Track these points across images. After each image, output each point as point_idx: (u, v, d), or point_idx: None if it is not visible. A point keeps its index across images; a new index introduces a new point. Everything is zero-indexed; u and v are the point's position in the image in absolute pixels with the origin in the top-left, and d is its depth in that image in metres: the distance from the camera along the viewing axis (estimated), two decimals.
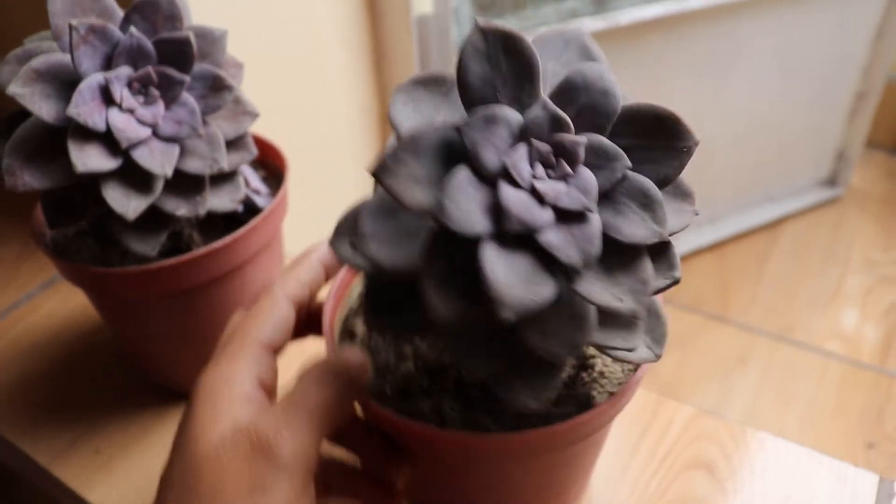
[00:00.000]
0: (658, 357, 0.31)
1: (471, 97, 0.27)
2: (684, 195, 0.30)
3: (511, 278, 0.25)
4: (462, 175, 0.25)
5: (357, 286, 0.38)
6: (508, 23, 0.91)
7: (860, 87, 1.35)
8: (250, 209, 0.46)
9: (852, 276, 1.28)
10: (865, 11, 1.25)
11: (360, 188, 0.91)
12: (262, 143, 0.51)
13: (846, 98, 1.36)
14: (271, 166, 0.51)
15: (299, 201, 0.74)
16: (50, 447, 0.49)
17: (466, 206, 0.25)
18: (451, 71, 0.29)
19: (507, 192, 0.25)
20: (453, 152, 0.26)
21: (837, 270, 1.30)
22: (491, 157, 0.26)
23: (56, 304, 0.62)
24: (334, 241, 0.30)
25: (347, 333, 0.36)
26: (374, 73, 0.85)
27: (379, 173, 0.25)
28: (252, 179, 0.48)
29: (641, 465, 0.45)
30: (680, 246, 1.33)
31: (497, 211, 0.25)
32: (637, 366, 0.33)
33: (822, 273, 1.29)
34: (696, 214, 0.31)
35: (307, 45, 0.75)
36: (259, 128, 0.48)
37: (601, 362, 0.35)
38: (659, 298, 0.33)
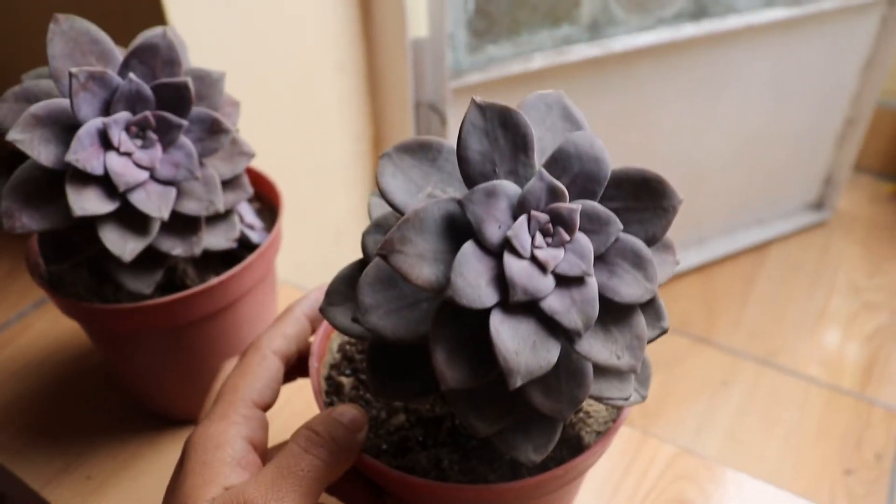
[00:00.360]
0: (644, 398, 0.32)
1: (471, 172, 0.28)
2: (667, 247, 0.31)
3: (519, 346, 0.26)
4: (468, 250, 0.26)
5: (335, 339, 0.39)
6: (503, 49, 0.93)
7: (849, 113, 1.37)
8: (244, 244, 0.47)
9: (837, 300, 1.29)
10: (856, 41, 1.26)
11: (353, 213, 0.92)
12: (256, 176, 0.51)
13: (836, 124, 1.38)
14: (265, 199, 0.52)
15: (292, 227, 0.74)
16: (42, 472, 0.49)
17: (474, 281, 0.26)
18: (435, 137, 0.30)
19: (512, 264, 0.26)
20: (455, 226, 0.27)
21: (823, 294, 1.31)
22: (494, 231, 0.27)
23: (48, 323, 0.62)
24: (327, 309, 0.31)
25: (334, 389, 0.36)
26: (368, 98, 0.86)
27: (388, 255, 0.26)
28: (247, 214, 0.48)
29: (624, 502, 0.46)
30: None
31: (502, 282, 0.26)
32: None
33: (807, 296, 1.31)
34: (678, 264, 0.32)
35: (300, 70, 0.75)
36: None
37: (586, 403, 0.36)
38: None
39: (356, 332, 0.30)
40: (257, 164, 0.53)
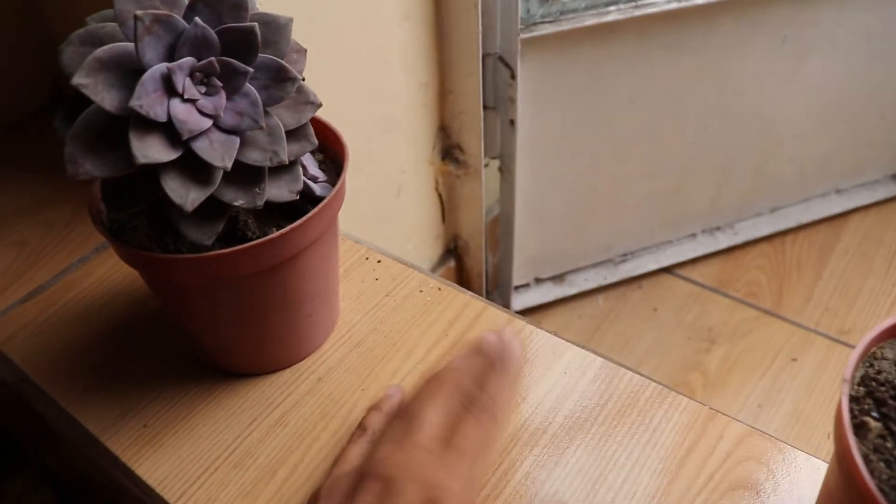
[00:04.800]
0: None
1: None
2: None
3: None
4: None
5: (860, 369, 0.35)
6: (576, 2, 0.88)
7: None
8: (306, 197, 0.46)
9: None
10: None
11: (415, 165, 0.90)
12: (321, 127, 0.50)
13: None
14: (329, 150, 0.50)
15: (352, 178, 0.73)
16: (101, 418, 0.49)
17: None
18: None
19: None
20: None
21: None
22: None
23: (108, 269, 0.62)
24: None
25: (858, 425, 0.33)
26: (434, 48, 0.83)
27: None
28: (310, 166, 0.47)
29: (687, 481, 0.44)
30: (737, 235, 1.29)
31: None
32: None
33: (886, 273, 1.24)
34: None
35: (366, 19, 0.73)
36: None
37: None
38: None
39: None
40: (320, 113, 0.51)
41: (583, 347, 0.52)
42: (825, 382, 1.06)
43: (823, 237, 1.31)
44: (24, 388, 0.54)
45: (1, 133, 0.81)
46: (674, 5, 0.93)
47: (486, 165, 0.95)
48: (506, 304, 1.16)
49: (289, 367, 0.51)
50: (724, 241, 1.28)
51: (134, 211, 0.39)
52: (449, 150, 0.94)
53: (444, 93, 0.88)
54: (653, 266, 1.25)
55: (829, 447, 0.96)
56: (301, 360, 0.52)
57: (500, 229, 1.08)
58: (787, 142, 1.22)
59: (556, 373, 0.51)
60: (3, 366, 0.55)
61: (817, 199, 1.34)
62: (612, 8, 0.91)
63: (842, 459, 0.31)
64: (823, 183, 1.33)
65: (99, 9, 0.41)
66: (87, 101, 0.36)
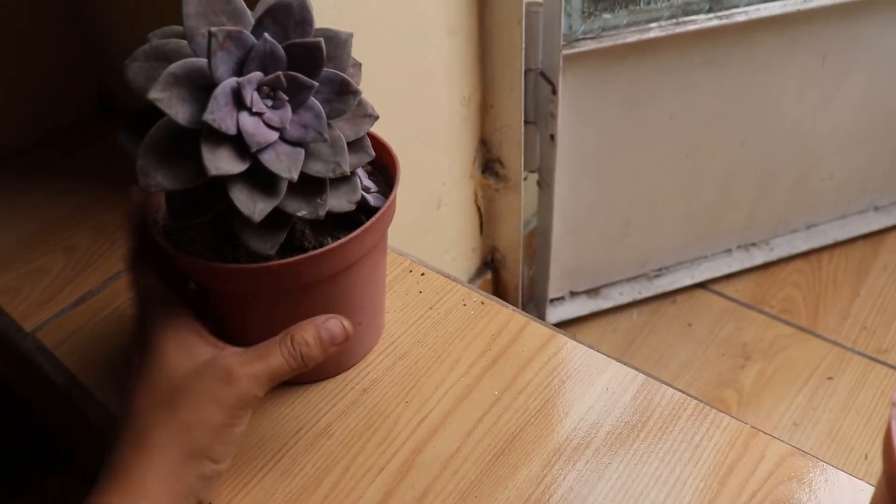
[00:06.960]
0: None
1: None
2: None
3: None
4: None
5: None
6: (618, 16, 0.89)
7: None
8: (360, 207, 0.47)
9: None
10: None
11: (456, 178, 0.91)
12: (371, 137, 0.50)
13: None
14: (378, 162, 0.51)
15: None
16: None
17: None
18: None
19: None
20: None
21: None
22: None
23: None
24: None
25: None
26: (477, 63, 0.84)
27: None
28: (362, 177, 0.48)
29: (729, 500, 0.44)
30: (773, 251, 1.28)
31: None
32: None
33: None
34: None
35: (413, 33, 0.74)
36: None
37: None
38: None
39: None
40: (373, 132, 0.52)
41: (624, 363, 0.52)
42: (862, 402, 1.05)
43: (861, 254, 1.30)
44: (73, 391, 0.55)
45: (48, 140, 0.83)
46: (714, 23, 0.93)
47: (524, 179, 0.96)
48: (541, 317, 1.16)
49: (334, 376, 0.52)
50: (759, 257, 1.27)
51: (198, 223, 0.40)
52: (489, 164, 0.95)
53: (485, 107, 0.89)
54: (688, 281, 1.24)
55: (866, 468, 0.95)
56: (346, 370, 0.52)
57: (537, 242, 1.09)
58: (825, 158, 1.21)
59: (598, 388, 0.51)
60: (54, 369, 0.57)
61: (854, 217, 1.33)
62: (653, 25, 0.91)
63: (891, 481, 0.32)
64: (861, 200, 1.32)
65: (153, 20, 0.42)
66: (156, 116, 0.37)
